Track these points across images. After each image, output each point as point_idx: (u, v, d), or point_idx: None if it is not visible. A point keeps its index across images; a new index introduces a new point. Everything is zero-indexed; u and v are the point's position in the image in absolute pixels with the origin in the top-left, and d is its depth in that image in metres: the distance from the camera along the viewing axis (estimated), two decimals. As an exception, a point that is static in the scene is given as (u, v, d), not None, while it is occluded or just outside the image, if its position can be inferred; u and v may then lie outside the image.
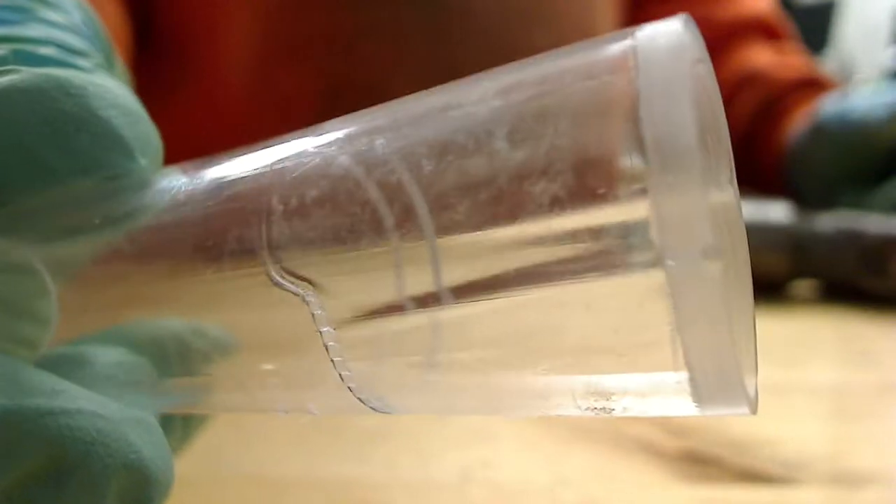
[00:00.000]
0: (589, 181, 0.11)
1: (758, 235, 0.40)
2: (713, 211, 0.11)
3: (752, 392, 0.12)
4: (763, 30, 0.66)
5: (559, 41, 0.15)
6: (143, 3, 0.49)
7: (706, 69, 0.13)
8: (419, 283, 0.13)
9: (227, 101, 0.50)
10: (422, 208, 0.12)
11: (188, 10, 0.49)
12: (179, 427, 0.17)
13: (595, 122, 0.11)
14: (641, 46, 0.11)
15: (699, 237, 0.10)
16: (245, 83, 0.50)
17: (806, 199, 0.56)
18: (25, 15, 0.16)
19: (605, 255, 0.11)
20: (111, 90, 0.15)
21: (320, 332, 0.14)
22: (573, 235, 0.11)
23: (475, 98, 0.13)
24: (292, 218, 0.14)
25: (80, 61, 0.15)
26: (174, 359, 0.14)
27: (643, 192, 0.11)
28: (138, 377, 0.14)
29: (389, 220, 0.13)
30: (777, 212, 0.41)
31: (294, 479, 0.23)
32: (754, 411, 0.12)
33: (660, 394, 0.12)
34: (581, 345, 0.12)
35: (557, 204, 0.11)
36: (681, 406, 0.12)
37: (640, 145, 0.11)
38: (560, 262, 0.12)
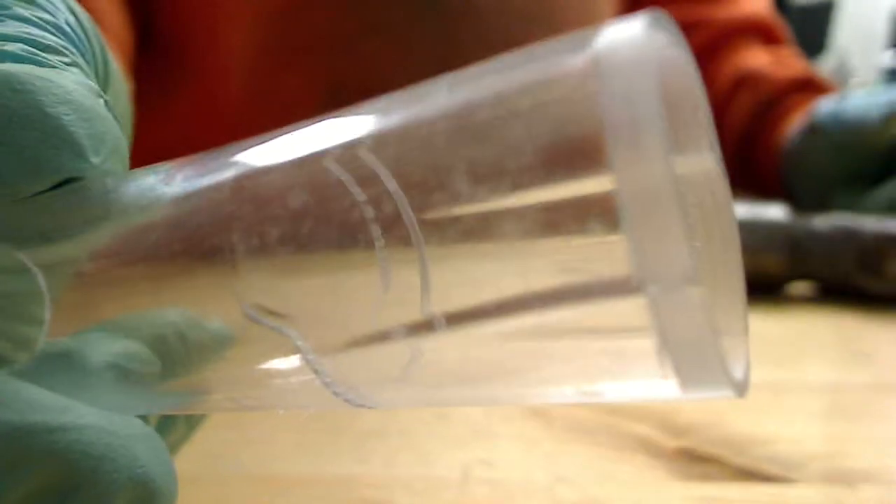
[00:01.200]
0: (558, 213, 0.11)
1: (755, 236, 0.40)
2: (693, 189, 0.11)
3: (738, 374, 0.12)
4: (761, 33, 0.66)
5: None
6: (144, 4, 0.49)
7: (678, 52, 0.13)
8: (404, 313, 0.13)
9: (229, 102, 0.50)
10: (416, 236, 0.12)
11: (189, 11, 0.49)
12: (182, 423, 0.17)
13: (559, 151, 0.11)
14: (603, 57, 0.11)
15: (678, 262, 0.10)
16: (247, 83, 0.50)
17: (802, 200, 0.57)
18: (3, 12, 0.16)
19: (585, 284, 0.11)
20: (64, 86, 0.14)
21: (307, 359, 0.14)
22: (551, 263, 0.12)
23: (436, 117, 0.12)
24: (259, 256, 0.13)
25: (52, 58, 0.15)
26: (174, 348, 0.14)
27: (616, 222, 0.11)
28: (140, 366, 0.14)
29: (381, 252, 0.13)
30: (774, 213, 0.41)
31: (295, 478, 0.23)
32: (742, 394, 0.12)
33: (645, 379, 0.12)
34: (566, 361, 0.12)
35: (530, 235, 0.11)
36: (666, 389, 0.12)
37: (611, 174, 0.11)
38: (540, 292, 0.12)
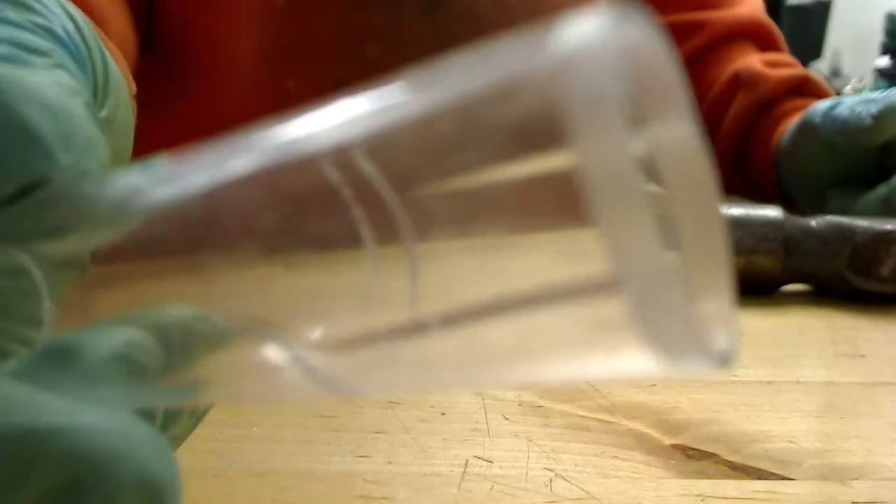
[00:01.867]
0: (535, 205, 0.12)
1: (750, 236, 0.40)
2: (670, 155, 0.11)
3: (721, 345, 0.12)
4: (758, 37, 0.66)
5: None
6: (147, 8, 0.49)
7: (646, 37, 0.12)
8: (394, 306, 0.13)
9: (231, 105, 0.50)
10: (406, 232, 0.13)
11: (191, 15, 0.50)
12: (186, 416, 0.18)
13: (533, 145, 0.11)
14: (566, 52, 0.11)
15: (651, 245, 0.11)
16: (249, 87, 0.50)
17: (798, 202, 0.57)
18: None
19: (564, 273, 0.12)
20: (36, 85, 0.14)
21: (299, 358, 0.14)
22: (532, 252, 0.12)
23: (416, 116, 0.13)
24: (248, 255, 0.14)
25: (35, 60, 0.15)
26: (177, 340, 0.14)
27: (591, 221, 0.11)
28: (143, 356, 0.14)
29: (371, 249, 0.13)
30: (769, 213, 0.41)
31: (296, 474, 0.23)
32: (725, 365, 0.12)
33: (629, 354, 0.12)
34: (550, 344, 0.13)
35: (513, 228, 0.12)
36: (649, 363, 0.12)
37: (577, 163, 0.11)
38: (523, 282, 0.12)
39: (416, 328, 0.13)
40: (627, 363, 0.12)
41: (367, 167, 0.13)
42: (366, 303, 0.13)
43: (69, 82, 0.16)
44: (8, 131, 0.14)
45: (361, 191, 0.13)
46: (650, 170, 0.14)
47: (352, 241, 0.13)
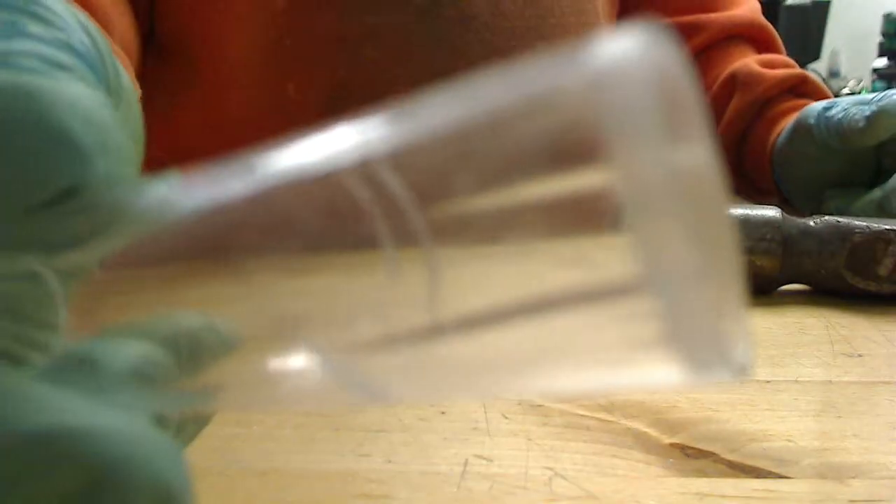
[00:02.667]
0: (565, 215, 0.12)
1: (748, 236, 0.40)
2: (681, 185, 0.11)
3: (741, 356, 0.13)
4: (756, 38, 0.66)
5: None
6: (149, 11, 0.49)
7: (672, 58, 0.13)
8: (414, 312, 0.13)
9: (233, 107, 0.50)
10: (426, 239, 0.13)
11: (192, 18, 0.50)
12: (191, 420, 0.18)
13: (564, 160, 0.12)
14: (603, 70, 0.11)
15: (681, 256, 0.11)
16: (250, 89, 0.50)
17: (796, 203, 0.57)
18: (12, 28, 0.16)
19: (590, 279, 0.12)
20: (71, 96, 0.15)
21: (324, 359, 0.14)
22: (557, 261, 0.12)
23: (445, 131, 0.13)
24: (272, 261, 0.14)
25: (61, 74, 0.16)
26: (187, 350, 0.15)
27: (620, 220, 0.11)
28: (157, 369, 0.14)
29: (391, 255, 0.13)
30: (767, 213, 0.41)
31: (297, 473, 0.23)
32: (742, 374, 0.12)
33: (654, 366, 0.12)
34: (576, 354, 0.13)
35: (538, 236, 0.12)
36: (673, 375, 0.12)
37: (613, 175, 0.11)
38: (547, 289, 0.12)
39: (435, 333, 0.13)
40: (649, 371, 0.12)
41: (392, 179, 0.13)
42: (386, 307, 0.13)
43: (96, 94, 0.16)
44: (48, 138, 0.14)
45: (385, 201, 0.13)
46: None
47: (372, 245, 0.13)
